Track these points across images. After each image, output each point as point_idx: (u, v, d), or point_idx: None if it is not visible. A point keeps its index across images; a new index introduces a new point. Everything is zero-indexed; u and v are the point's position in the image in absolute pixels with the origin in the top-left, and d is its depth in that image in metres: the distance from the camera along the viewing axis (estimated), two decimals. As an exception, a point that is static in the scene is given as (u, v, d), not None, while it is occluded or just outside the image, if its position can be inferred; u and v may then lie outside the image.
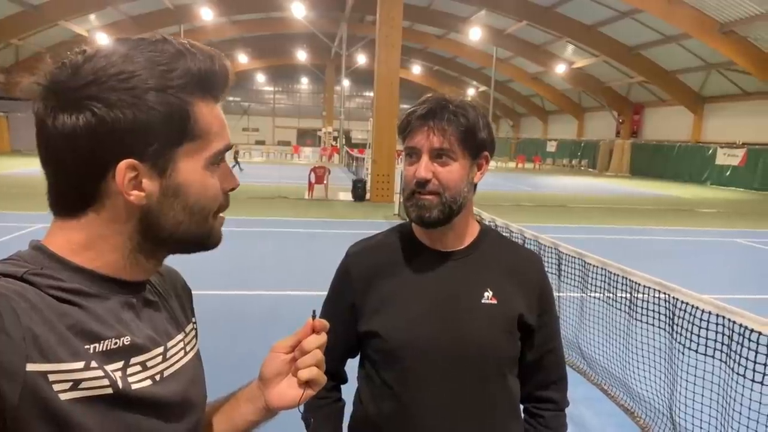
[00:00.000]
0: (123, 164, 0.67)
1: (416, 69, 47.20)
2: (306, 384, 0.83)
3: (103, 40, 0.91)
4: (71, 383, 0.63)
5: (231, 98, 57.00)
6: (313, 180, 15.29)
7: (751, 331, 2.66)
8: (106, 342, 0.68)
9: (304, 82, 58.07)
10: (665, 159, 30.01)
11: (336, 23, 32.84)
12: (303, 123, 58.08)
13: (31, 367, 0.60)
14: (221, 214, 0.79)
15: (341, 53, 31.54)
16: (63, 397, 0.62)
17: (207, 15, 28.58)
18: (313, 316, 0.85)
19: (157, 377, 0.74)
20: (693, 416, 3.13)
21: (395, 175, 14.29)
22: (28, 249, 0.72)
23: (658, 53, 26.73)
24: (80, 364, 0.64)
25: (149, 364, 0.73)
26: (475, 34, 28.50)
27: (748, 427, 2.74)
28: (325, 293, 1.35)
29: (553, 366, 1.31)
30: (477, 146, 1.19)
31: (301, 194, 15.45)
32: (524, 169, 35.37)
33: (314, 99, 58.25)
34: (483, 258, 1.26)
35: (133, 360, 0.71)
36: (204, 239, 0.77)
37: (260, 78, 55.36)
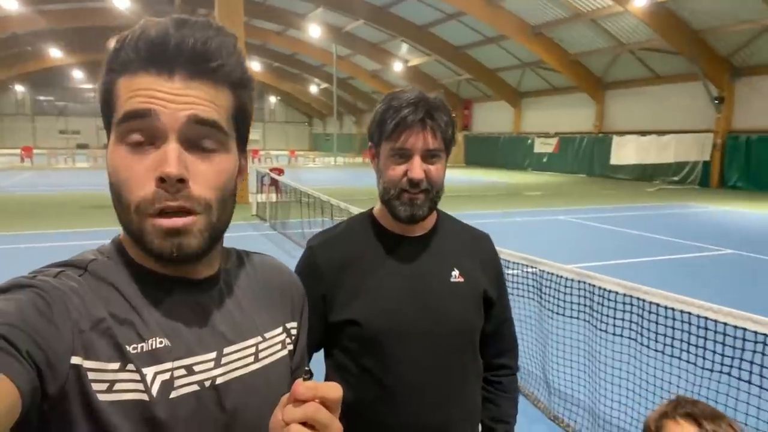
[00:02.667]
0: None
1: (256, 66, 45.97)
2: None
3: None
4: (107, 384, 0.62)
5: (43, 98, 50.48)
6: (156, 184, 14.18)
7: (609, 291, 3.09)
8: (151, 341, 0.65)
9: (131, 80, 53.36)
10: (493, 149, 33.10)
11: (164, 15, 30.67)
12: (133, 124, 53.46)
13: (75, 360, 0.60)
14: (160, 220, 0.64)
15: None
16: (101, 397, 0.61)
17: (11, 5, 24.91)
18: (304, 377, 0.59)
19: (207, 383, 0.68)
20: (564, 372, 3.56)
21: (249, 175, 13.80)
22: (111, 240, 0.75)
23: (481, 53, 29.25)
24: (115, 365, 0.62)
25: (197, 368, 0.68)
26: (314, 31, 28.60)
27: (612, 375, 3.19)
28: None
29: (508, 335, 1.43)
30: (452, 142, 1.26)
31: (144, 200, 14.26)
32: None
33: (144, 97, 53.89)
34: (445, 240, 1.33)
35: (178, 363, 0.67)
36: (138, 238, 0.66)
37: (78, 74, 49.65)
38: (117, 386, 0.62)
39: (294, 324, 0.85)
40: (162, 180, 0.63)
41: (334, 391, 0.59)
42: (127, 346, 0.64)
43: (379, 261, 1.27)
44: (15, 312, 0.57)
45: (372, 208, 1.36)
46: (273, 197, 11.11)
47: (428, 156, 1.20)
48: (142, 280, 0.69)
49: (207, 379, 0.69)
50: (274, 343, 0.80)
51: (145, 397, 0.63)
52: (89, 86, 51.95)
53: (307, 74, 46.62)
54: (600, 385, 3.27)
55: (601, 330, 3.18)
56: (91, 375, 0.61)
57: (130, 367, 0.63)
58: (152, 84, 0.65)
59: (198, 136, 0.66)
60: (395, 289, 1.25)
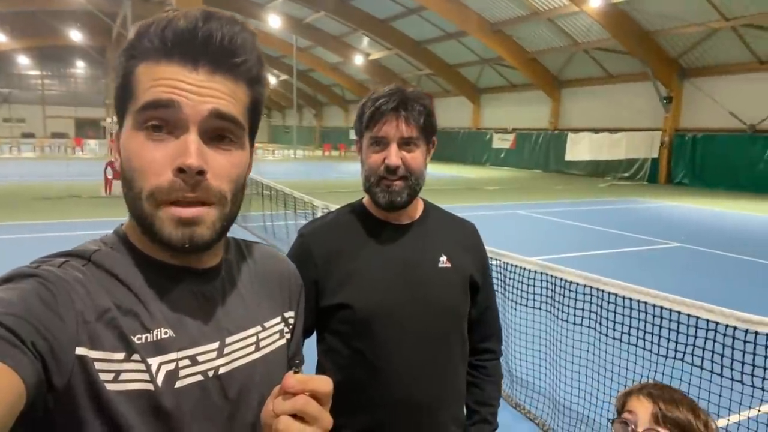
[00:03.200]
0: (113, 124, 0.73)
1: (212, 55, 44.88)
2: None
3: None
4: (114, 374, 0.62)
5: (-15, 83, 47.90)
6: (110, 175, 13.73)
7: (570, 282, 3.21)
8: (156, 332, 0.66)
9: (81, 66, 51.07)
10: (453, 144, 33.48)
11: (117, 0, 29.63)
12: (82, 112, 51.20)
13: (80, 351, 0.60)
14: (175, 209, 0.64)
15: (126, 34, 28.57)
16: (109, 387, 0.61)
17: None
18: (294, 369, 0.62)
19: (210, 373, 0.70)
20: (526, 361, 3.67)
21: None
22: (114, 230, 0.74)
23: (441, 48, 29.49)
24: (121, 355, 0.63)
25: (200, 359, 0.69)
26: (274, 21, 28.17)
27: (572, 363, 3.31)
28: None
29: (492, 320, 1.48)
30: (432, 132, 1.31)
31: (97, 192, 13.79)
32: (331, 156, 36.25)
33: (95, 85, 51.72)
34: (432, 228, 1.38)
35: (182, 353, 0.67)
36: (148, 226, 0.66)
37: (23, 60, 47.23)
38: (123, 376, 0.62)
39: (291, 313, 0.87)
40: (181, 170, 0.63)
41: (325, 384, 0.60)
42: (132, 337, 0.64)
43: (369, 248, 1.32)
44: (19, 302, 0.57)
45: (363, 198, 1.42)
46: (233, 190, 10.91)
47: (404, 144, 1.27)
48: (147, 270, 0.69)
49: (210, 369, 0.69)
50: (273, 333, 0.81)
51: (150, 387, 0.64)
52: (35, 73, 49.52)
53: (267, 65, 45.89)
54: (560, 373, 3.39)
55: (561, 320, 3.30)
56: (98, 365, 0.61)
57: (135, 357, 0.63)
58: (176, 74, 0.65)
59: (217, 130, 0.67)
60: (385, 275, 1.30)
